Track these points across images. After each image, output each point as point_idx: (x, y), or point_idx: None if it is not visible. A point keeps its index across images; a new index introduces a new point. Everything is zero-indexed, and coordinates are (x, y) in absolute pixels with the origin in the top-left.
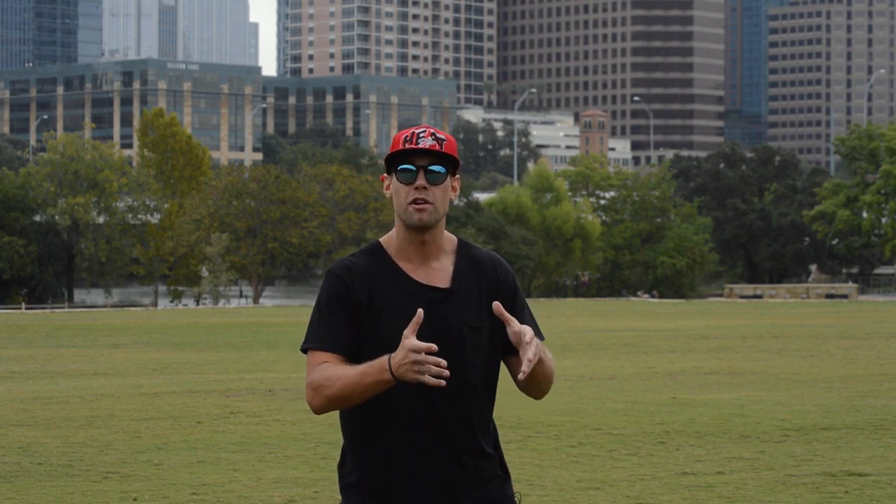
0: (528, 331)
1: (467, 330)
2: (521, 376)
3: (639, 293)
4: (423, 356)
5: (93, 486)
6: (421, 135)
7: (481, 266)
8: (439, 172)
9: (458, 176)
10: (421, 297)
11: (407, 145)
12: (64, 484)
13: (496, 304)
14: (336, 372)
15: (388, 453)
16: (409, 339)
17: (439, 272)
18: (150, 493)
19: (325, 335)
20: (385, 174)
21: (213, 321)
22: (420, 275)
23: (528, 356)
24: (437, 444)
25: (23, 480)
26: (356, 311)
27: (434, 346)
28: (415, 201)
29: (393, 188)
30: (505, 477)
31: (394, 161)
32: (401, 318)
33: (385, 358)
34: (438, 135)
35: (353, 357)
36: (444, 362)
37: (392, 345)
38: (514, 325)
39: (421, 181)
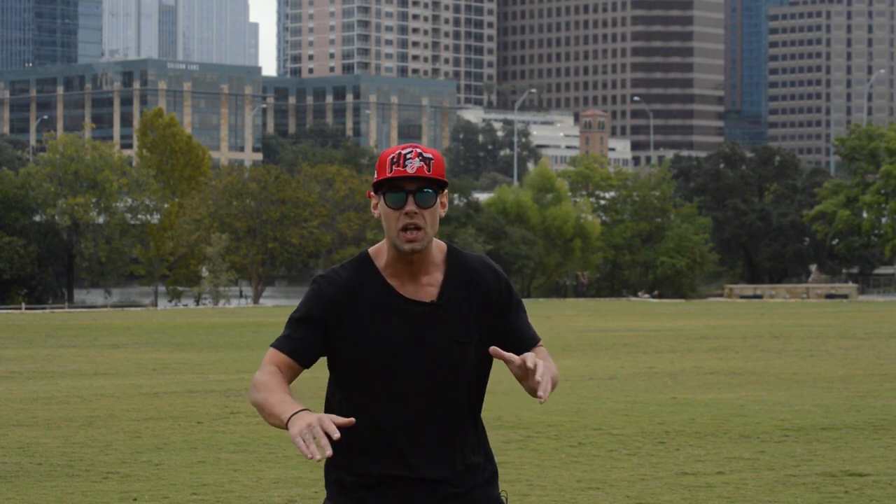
0: (533, 362)
1: (454, 345)
2: (540, 402)
3: (639, 293)
4: (318, 429)
5: (93, 486)
6: (408, 156)
7: (472, 274)
8: (428, 195)
9: (445, 191)
10: (407, 312)
11: (394, 167)
12: (64, 484)
13: (493, 349)
14: (270, 385)
15: (372, 462)
16: (330, 417)
17: (427, 287)
18: (150, 493)
19: (285, 340)
20: (372, 192)
21: (213, 321)
22: (408, 290)
23: (543, 388)
24: (421, 459)
25: (23, 480)
26: (325, 326)
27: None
28: (405, 228)
29: (382, 211)
30: (491, 478)
31: (382, 184)
32: (384, 333)
33: (298, 408)
34: (425, 154)
35: (307, 365)
36: (336, 434)
37: (372, 359)
38: (516, 360)
39: (411, 206)
